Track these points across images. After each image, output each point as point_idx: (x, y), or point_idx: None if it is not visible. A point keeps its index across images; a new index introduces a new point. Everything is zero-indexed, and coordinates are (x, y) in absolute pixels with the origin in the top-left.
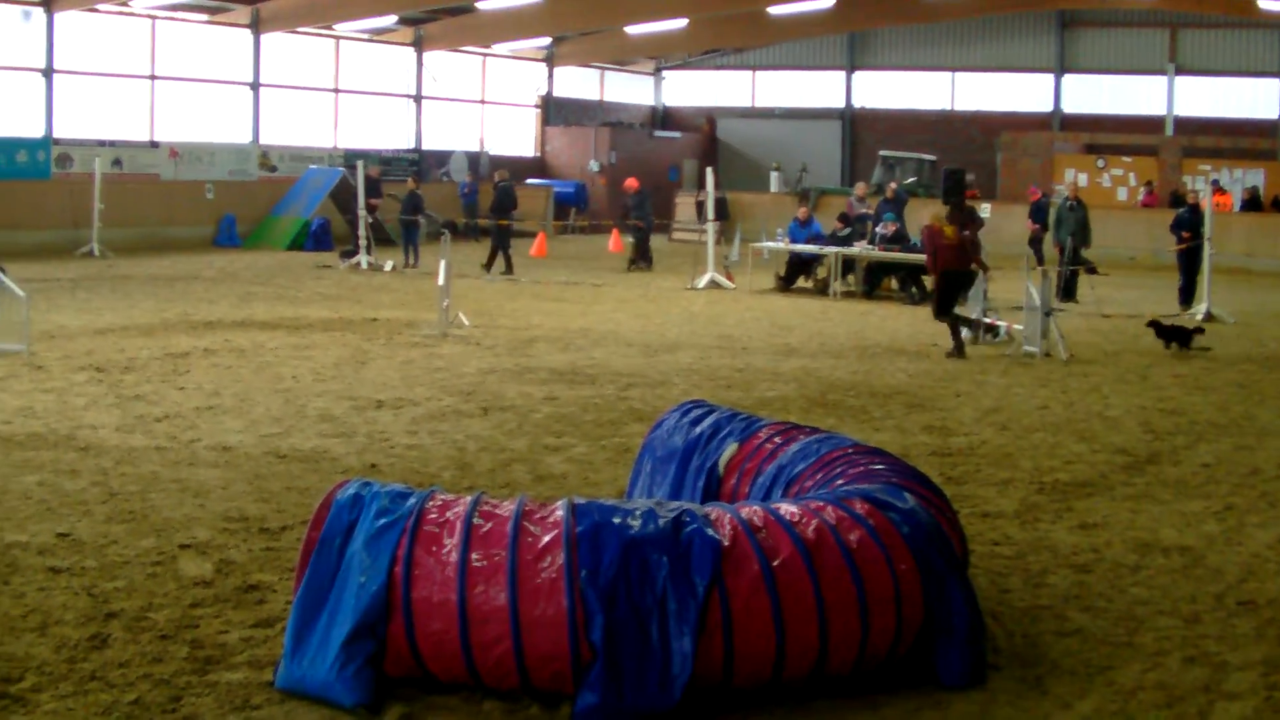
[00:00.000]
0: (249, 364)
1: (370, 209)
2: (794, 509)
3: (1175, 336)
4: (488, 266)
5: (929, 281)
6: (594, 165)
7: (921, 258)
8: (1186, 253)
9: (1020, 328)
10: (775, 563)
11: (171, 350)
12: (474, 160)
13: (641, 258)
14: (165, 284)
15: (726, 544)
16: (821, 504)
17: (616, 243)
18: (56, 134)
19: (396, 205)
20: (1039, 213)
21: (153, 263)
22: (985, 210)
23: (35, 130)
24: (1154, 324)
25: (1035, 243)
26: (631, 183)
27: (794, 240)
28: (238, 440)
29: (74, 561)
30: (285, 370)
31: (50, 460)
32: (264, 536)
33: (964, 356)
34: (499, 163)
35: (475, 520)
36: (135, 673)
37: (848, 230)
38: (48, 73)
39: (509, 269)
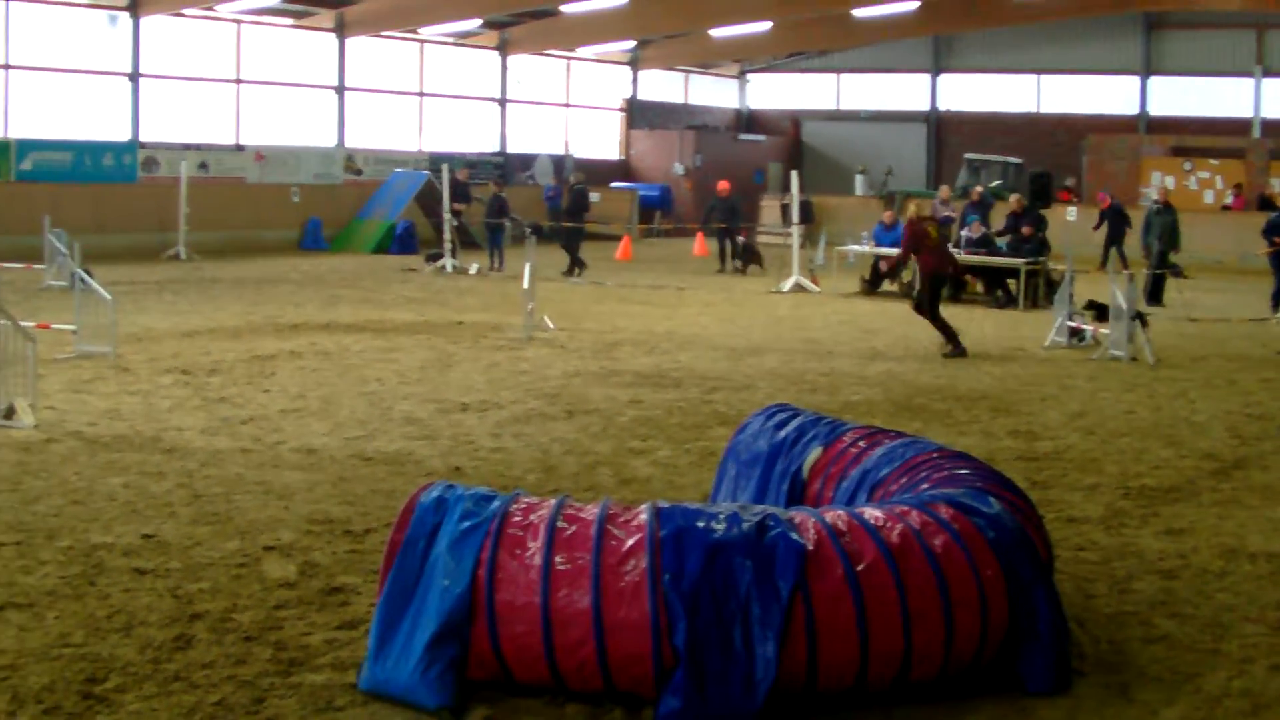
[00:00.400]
0: (334, 367)
1: (455, 213)
2: (878, 513)
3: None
4: (568, 272)
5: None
6: (679, 168)
7: (1010, 261)
8: (1277, 256)
9: (1107, 331)
10: (859, 567)
11: (257, 353)
12: (559, 163)
13: (735, 257)
14: (251, 287)
15: (811, 548)
16: (906, 509)
17: (701, 246)
18: (143, 138)
19: (482, 209)
20: (1108, 218)
21: (239, 266)
22: (1071, 214)
23: (122, 134)
24: (1091, 304)
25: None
26: (723, 185)
27: (879, 243)
28: (322, 443)
29: (159, 563)
30: (370, 373)
31: (136, 462)
32: (348, 539)
33: (966, 354)
34: (583, 166)
35: (559, 523)
36: (219, 674)
37: None
38: (134, 77)
39: (580, 270)
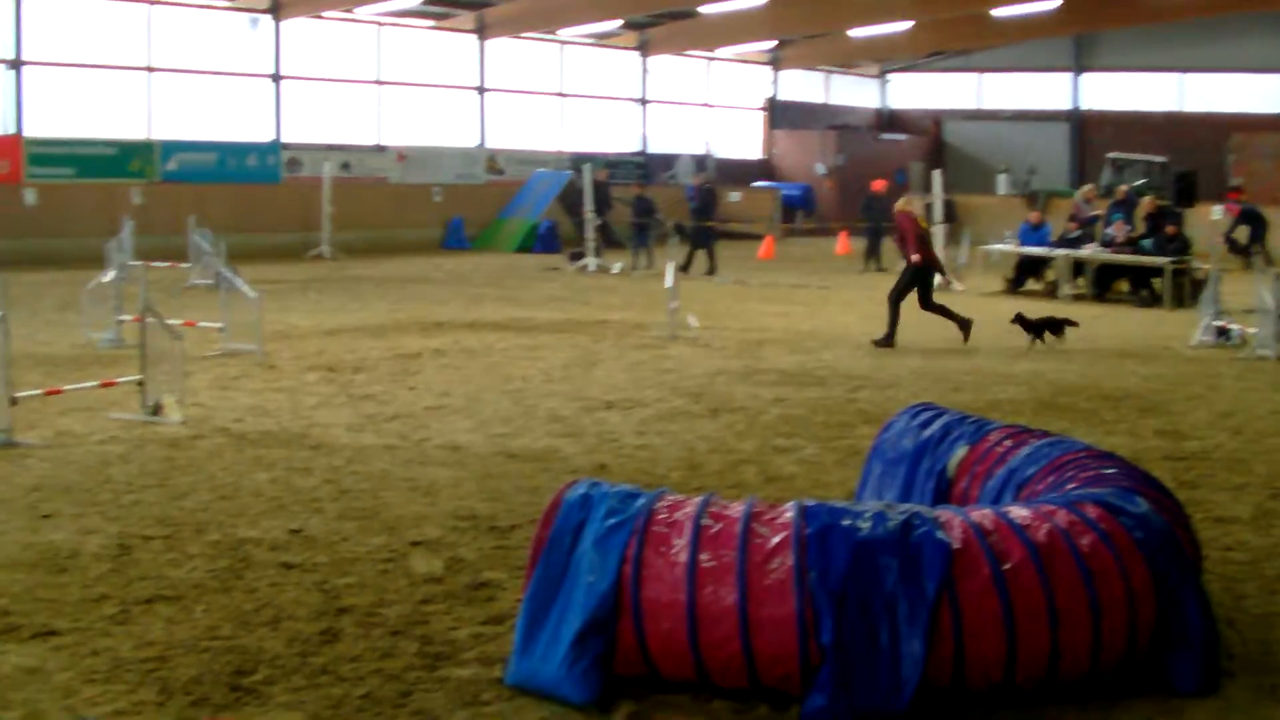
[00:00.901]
0: (478, 364)
1: (598, 212)
2: (1025, 513)
3: (1046, 328)
4: (684, 267)
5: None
6: (820, 168)
7: (1154, 260)
8: None
9: (1254, 331)
10: (1006, 566)
11: (401, 351)
12: (700, 163)
13: (871, 258)
14: (395, 285)
15: (957, 547)
16: (1053, 508)
17: (844, 245)
18: (285, 139)
19: (624, 209)
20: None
21: (382, 265)
22: (1217, 212)
23: (265, 135)
24: (1019, 319)
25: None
26: (878, 184)
27: (1024, 243)
28: (468, 440)
29: (306, 557)
30: (515, 371)
31: (282, 458)
32: (494, 535)
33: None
34: (724, 166)
35: (704, 521)
36: (366, 667)
37: (1078, 232)
38: (276, 78)
39: (713, 269)
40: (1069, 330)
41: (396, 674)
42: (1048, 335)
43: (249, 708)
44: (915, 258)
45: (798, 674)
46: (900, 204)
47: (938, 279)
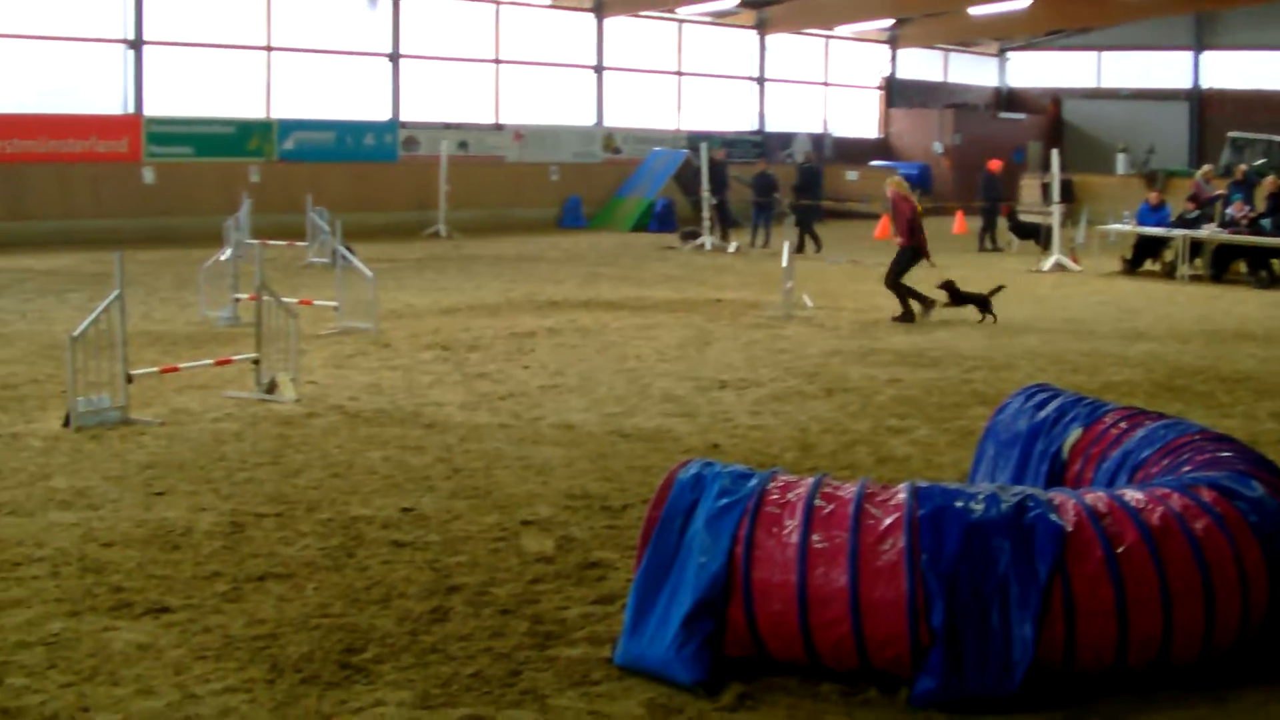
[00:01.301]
0: (593, 344)
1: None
2: (1139, 495)
3: (972, 300)
4: (799, 249)
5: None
6: (938, 147)
7: (1273, 241)
8: None
9: None
10: (1119, 549)
11: (516, 329)
12: (817, 142)
13: (986, 236)
14: (510, 264)
15: (1070, 529)
16: (1167, 491)
17: (961, 224)
18: (403, 117)
19: (742, 188)
20: None
21: (498, 243)
22: None
23: (382, 114)
24: (947, 285)
25: None
26: (995, 164)
27: (1142, 223)
28: (581, 419)
29: (418, 536)
30: (629, 350)
31: (396, 436)
32: (605, 514)
33: (914, 320)
34: (842, 145)
35: (817, 502)
36: (476, 646)
37: (1196, 212)
38: (394, 57)
39: (818, 247)
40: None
41: (506, 653)
42: (979, 312)
43: (358, 686)
44: (899, 240)
45: (908, 656)
46: (895, 186)
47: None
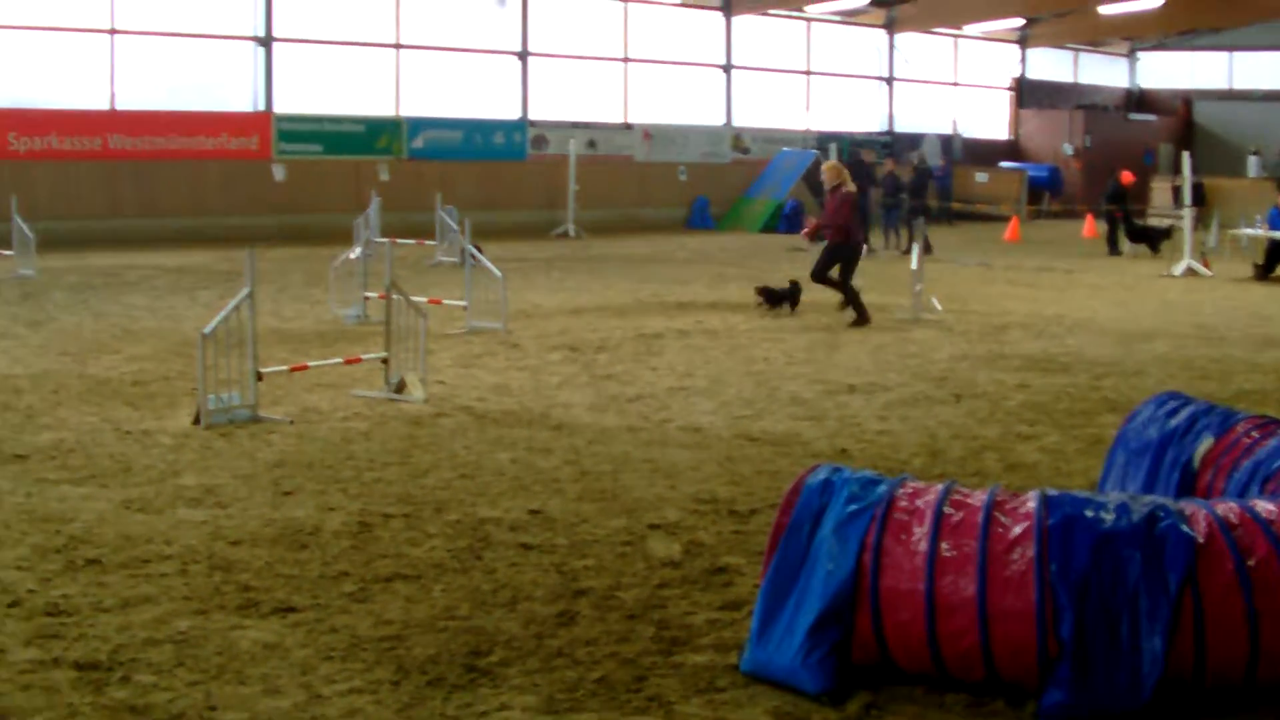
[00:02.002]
0: (721, 345)
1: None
2: (1271, 507)
3: (784, 298)
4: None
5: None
6: (1068, 148)
7: None
8: None
9: None
10: (1251, 562)
11: (644, 331)
12: (946, 143)
13: (1134, 240)
14: (638, 265)
15: (1201, 541)
16: None
17: (1091, 228)
18: (532, 116)
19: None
20: None
21: (626, 243)
22: None
23: (511, 112)
24: (762, 290)
25: None
26: (1127, 176)
27: (1274, 228)
28: (709, 422)
29: (545, 538)
30: (757, 352)
31: (524, 438)
32: (733, 519)
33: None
34: (970, 146)
35: (946, 509)
36: (601, 651)
37: None
38: (523, 56)
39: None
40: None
41: (632, 658)
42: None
43: (484, 689)
44: (818, 232)
45: (1036, 668)
46: (835, 178)
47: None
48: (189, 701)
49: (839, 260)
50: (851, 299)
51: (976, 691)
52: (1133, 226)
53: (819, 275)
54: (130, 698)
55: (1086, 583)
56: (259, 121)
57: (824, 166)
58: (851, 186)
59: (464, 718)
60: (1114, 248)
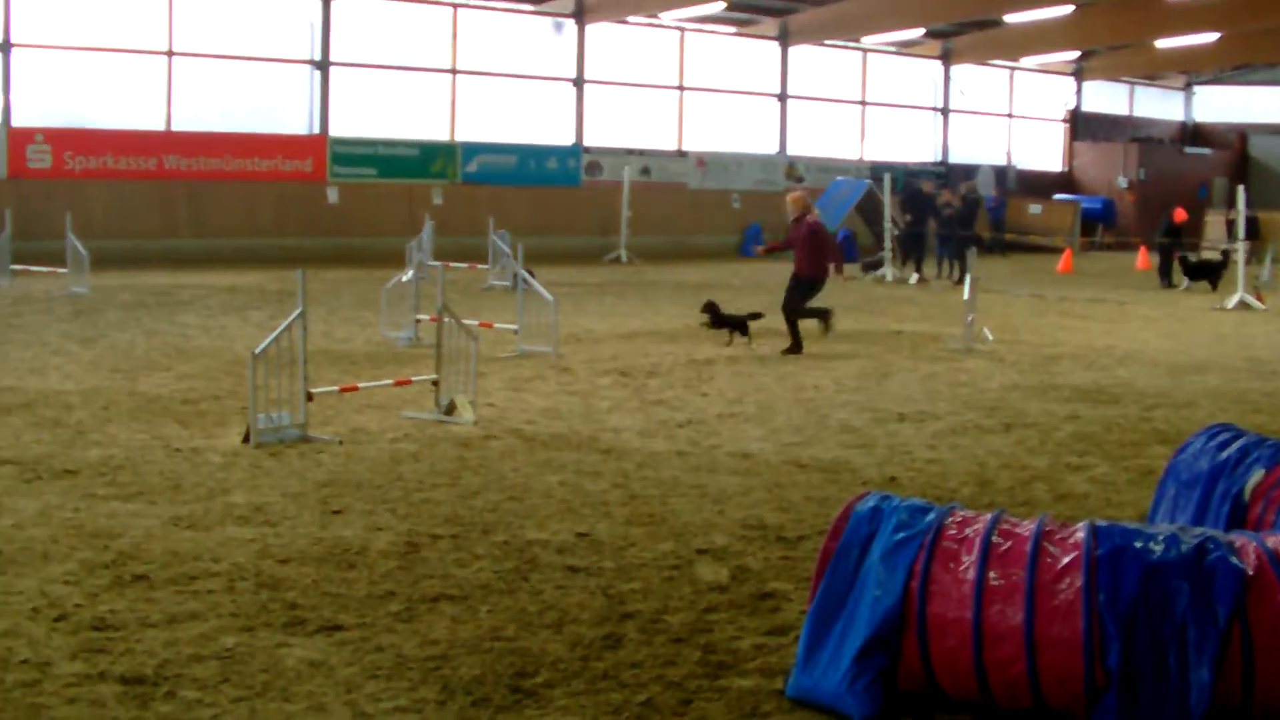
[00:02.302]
0: (771, 372)
1: (905, 222)
2: None
3: (731, 324)
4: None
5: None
6: (1122, 181)
7: None
8: None
9: None
10: None
11: (695, 357)
12: (1000, 174)
13: (1188, 275)
14: (691, 291)
15: (1250, 573)
16: None
17: (1144, 260)
18: (586, 142)
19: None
20: None
21: (678, 270)
22: None
23: (565, 138)
24: (710, 309)
25: None
26: (1180, 214)
27: None
28: (758, 448)
29: (592, 561)
30: (807, 380)
31: (573, 461)
32: (781, 545)
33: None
34: (1024, 178)
35: (994, 538)
36: (647, 674)
37: None
38: (578, 83)
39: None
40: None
41: (678, 681)
42: (736, 335)
43: (529, 710)
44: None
45: (1083, 697)
46: (799, 208)
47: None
48: (234, 718)
49: (805, 292)
50: (795, 324)
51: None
52: (1189, 264)
53: (791, 309)
54: (175, 713)
55: (1134, 613)
56: (314, 144)
57: (789, 197)
58: (815, 215)
59: None
60: (1166, 280)
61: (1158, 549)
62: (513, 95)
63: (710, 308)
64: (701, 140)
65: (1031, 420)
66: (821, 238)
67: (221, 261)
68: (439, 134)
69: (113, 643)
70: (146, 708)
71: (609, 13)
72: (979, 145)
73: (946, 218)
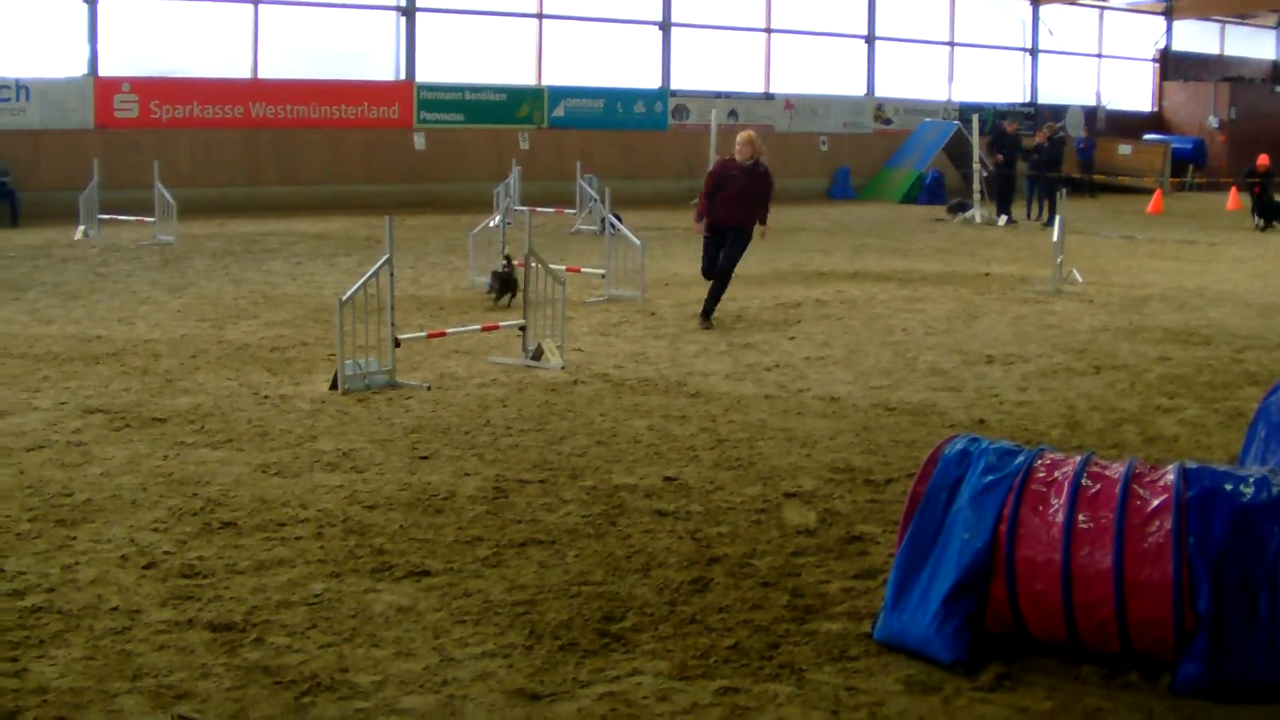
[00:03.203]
0: (859, 315)
1: (984, 164)
2: None
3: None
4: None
5: None
6: (1213, 121)
7: None
8: None
9: None
10: None
11: (783, 300)
12: (1090, 115)
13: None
14: (777, 235)
15: None
16: None
17: (1235, 200)
18: (673, 86)
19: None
20: None
21: None
22: None
23: (652, 82)
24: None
25: None
26: (1262, 159)
27: None
28: (846, 391)
29: (680, 505)
30: (895, 323)
31: (661, 405)
32: (869, 488)
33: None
34: (1114, 118)
35: (1084, 481)
36: (734, 618)
37: None
38: (664, 26)
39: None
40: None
41: (765, 625)
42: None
43: (616, 654)
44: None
45: (1171, 641)
46: (751, 151)
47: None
48: (321, 663)
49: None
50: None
51: (1111, 664)
52: (1264, 203)
53: (729, 267)
54: (263, 659)
55: (1224, 556)
56: (400, 90)
57: (744, 136)
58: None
59: (596, 682)
60: (1256, 222)
61: (1248, 491)
62: (599, 39)
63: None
64: (789, 83)
65: (1121, 362)
66: (770, 182)
67: (308, 209)
68: (525, 79)
69: (201, 589)
70: (235, 654)
71: None
72: (1068, 85)
73: (1035, 160)
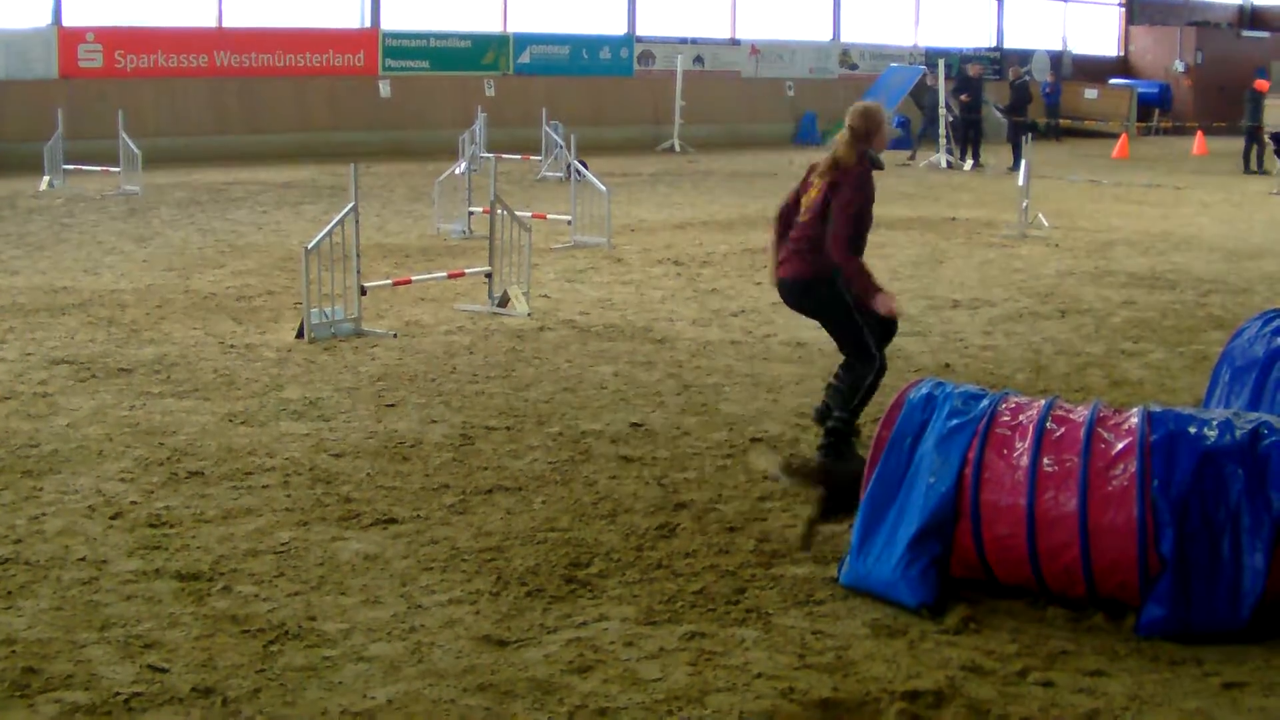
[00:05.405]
0: None
1: (950, 107)
2: None
3: None
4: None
5: None
6: (1179, 65)
7: None
8: None
9: None
10: None
11: (750, 246)
12: (1056, 60)
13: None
14: (745, 180)
15: None
16: None
17: (1201, 145)
18: (638, 32)
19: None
20: None
21: (732, 159)
22: None
23: (618, 28)
24: None
25: None
26: (1261, 84)
27: None
28: (812, 336)
29: (646, 451)
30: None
31: (626, 351)
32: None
33: None
34: (1080, 63)
35: (1048, 425)
36: (701, 563)
37: None
38: None
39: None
40: None
41: (731, 570)
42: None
43: (582, 600)
44: None
45: (1136, 584)
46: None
47: None
48: (289, 611)
49: None
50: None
51: (1076, 606)
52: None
53: None
54: (231, 608)
55: (1188, 499)
56: (366, 38)
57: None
58: None
59: (563, 628)
60: (1250, 165)
61: (1212, 435)
62: None
63: None
64: (755, 29)
65: (1086, 306)
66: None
67: (274, 157)
68: (491, 26)
69: (168, 539)
70: (203, 603)
71: None
72: (1034, 30)
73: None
